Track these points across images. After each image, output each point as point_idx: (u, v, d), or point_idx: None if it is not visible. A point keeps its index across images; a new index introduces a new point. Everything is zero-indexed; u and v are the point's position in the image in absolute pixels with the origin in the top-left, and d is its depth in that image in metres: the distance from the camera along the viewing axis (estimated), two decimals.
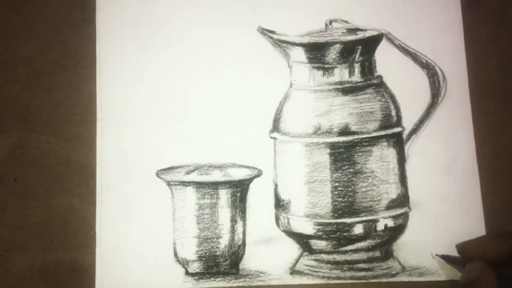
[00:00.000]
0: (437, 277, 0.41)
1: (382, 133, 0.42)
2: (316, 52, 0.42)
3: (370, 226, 0.42)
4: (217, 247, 0.43)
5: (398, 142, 0.43)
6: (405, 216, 0.42)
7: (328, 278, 0.42)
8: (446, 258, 0.40)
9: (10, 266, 0.42)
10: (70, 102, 0.45)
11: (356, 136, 0.42)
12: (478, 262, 0.36)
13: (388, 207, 0.42)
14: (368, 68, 0.43)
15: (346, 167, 0.42)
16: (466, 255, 0.39)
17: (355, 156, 0.42)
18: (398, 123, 0.43)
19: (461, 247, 0.39)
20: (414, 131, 0.44)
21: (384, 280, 0.41)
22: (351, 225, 0.42)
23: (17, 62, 0.46)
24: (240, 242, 0.43)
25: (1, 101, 0.45)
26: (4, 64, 0.46)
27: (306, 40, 0.43)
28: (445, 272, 0.41)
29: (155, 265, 0.43)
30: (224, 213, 0.43)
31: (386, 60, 0.44)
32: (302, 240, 0.43)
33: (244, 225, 0.43)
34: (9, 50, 0.46)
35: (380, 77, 0.43)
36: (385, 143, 0.42)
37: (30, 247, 0.43)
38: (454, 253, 0.40)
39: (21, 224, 0.43)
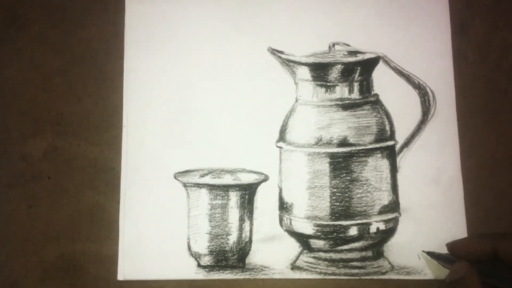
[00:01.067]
0: (423, 276, 0.42)
1: (377, 145, 0.43)
2: (319, 71, 0.43)
3: (363, 228, 0.43)
4: (227, 243, 0.43)
5: (391, 154, 0.44)
6: (396, 220, 0.43)
7: (325, 274, 0.43)
8: (432, 254, 0.41)
9: (43, 254, 0.44)
10: (99, 110, 0.46)
11: (353, 148, 0.43)
12: (464, 262, 0.37)
13: (380, 212, 0.43)
14: (366, 87, 0.44)
15: (344, 175, 0.42)
16: (454, 253, 0.40)
17: (352, 166, 0.43)
18: (392, 137, 0.44)
19: (451, 245, 0.40)
20: (406, 144, 0.45)
21: (375, 277, 0.42)
22: (347, 227, 0.43)
23: (53, 73, 0.47)
24: (247, 239, 0.44)
25: (38, 107, 0.46)
26: (42, 75, 0.47)
27: (311, 60, 0.44)
28: (430, 271, 0.42)
29: (171, 257, 0.43)
30: (234, 213, 0.44)
31: (382, 80, 0.45)
32: (303, 239, 0.43)
33: (251, 224, 0.44)
34: (47, 62, 0.47)
35: (376, 95, 0.44)
36: (379, 155, 0.43)
37: (61, 238, 0.44)
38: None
39: (53, 218, 0.44)
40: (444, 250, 0.41)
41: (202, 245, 0.43)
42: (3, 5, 0.48)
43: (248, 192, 0.44)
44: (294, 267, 0.43)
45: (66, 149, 0.46)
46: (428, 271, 0.42)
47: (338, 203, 0.42)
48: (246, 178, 0.44)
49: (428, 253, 0.41)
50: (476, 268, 0.36)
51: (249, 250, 0.44)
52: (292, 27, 0.47)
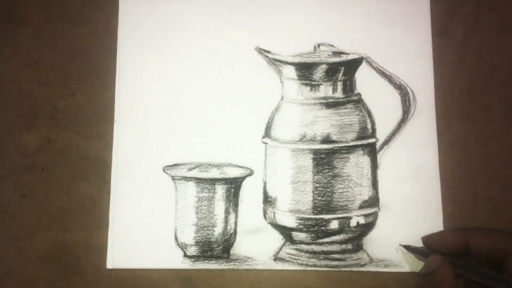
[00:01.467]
0: (400, 268, 0.43)
1: (359, 142, 0.44)
2: (305, 70, 0.44)
3: (344, 222, 0.43)
4: (212, 234, 0.44)
5: (372, 151, 0.44)
6: (375, 215, 0.44)
7: (306, 265, 0.43)
8: (409, 248, 0.42)
9: (35, 242, 0.45)
10: (92, 104, 0.47)
11: (336, 145, 0.43)
12: (438, 255, 0.38)
13: (360, 207, 0.43)
14: (349, 86, 0.45)
15: (326, 170, 0.43)
16: (428, 246, 0.41)
17: (334, 162, 0.43)
18: (373, 134, 0.45)
19: (426, 239, 0.41)
20: (386, 142, 0.45)
21: (354, 269, 0.43)
22: (328, 220, 0.43)
23: (48, 68, 0.48)
24: (232, 231, 0.44)
25: (33, 101, 0.47)
26: (38, 70, 0.48)
27: (297, 60, 0.44)
28: (407, 264, 0.43)
29: (158, 247, 0.44)
30: (219, 206, 0.44)
31: (365, 80, 0.45)
32: (285, 231, 0.44)
33: (236, 216, 0.45)
34: (42, 58, 0.48)
35: (359, 94, 0.45)
36: (361, 152, 0.44)
37: (53, 227, 0.45)
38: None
39: (46, 207, 0.45)
40: (421, 244, 0.42)
41: (188, 236, 0.44)
42: (1, 2, 0.49)
43: (233, 186, 0.45)
44: (276, 258, 0.44)
45: (60, 142, 0.46)
46: (405, 264, 0.43)
47: (320, 198, 0.43)
48: (232, 172, 0.45)
49: (405, 246, 0.42)
50: (450, 261, 0.37)
51: (234, 241, 0.44)
52: (279, 28, 0.47)
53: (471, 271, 0.37)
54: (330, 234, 0.44)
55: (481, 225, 0.43)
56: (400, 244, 0.43)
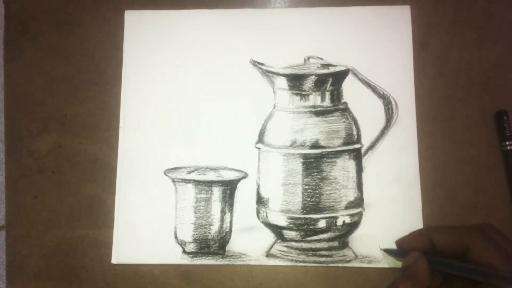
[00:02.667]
0: (382, 264, 0.44)
1: (345, 148, 0.45)
2: (295, 81, 0.45)
3: (331, 221, 0.44)
4: (209, 232, 0.45)
5: (357, 156, 0.45)
6: (360, 214, 0.45)
7: (296, 261, 0.45)
8: (387, 251, 0.43)
9: (46, 239, 0.46)
10: (99, 112, 0.48)
11: (324, 150, 0.44)
12: (415, 252, 0.39)
13: (346, 207, 0.44)
14: (336, 96, 0.46)
15: (315, 173, 0.44)
16: (401, 248, 0.42)
17: (323, 165, 0.44)
18: (358, 140, 0.46)
19: (397, 242, 0.42)
20: (371, 147, 0.46)
21: (340, 265, 0.44)
22: (316, 220, 0.44)
23: (59, 78, 0.49)
24: (227, 229, 0.45)
25: (45, 109, 0.48)
26: (49, 80, 0.49)
27: (288, 71, 0.45)
28: (388, 261, 0.44)
29: (160, 244, 0.45)
30: (216, 206, 0.45)
31: (351, 90, 0.47)
32: (277, 230, 0.45)
33: (231, 216, 0.46)
34: (54, 69, 0.49)
35: (345, 103, 0.46)
36: (347, 156, 0.45)
37: (62, 225, 0.46)
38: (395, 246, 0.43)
39: (56, 207, 0.47)
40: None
41: (187, 234, 0.45)
42: (16, 18, 0.50)
43: (229, 188, 0.46)
44: (268, 254, 0.45)
45: (69, 146, 0.48)
46: (386, 261, 0.44)
47: (309, 199, 0.44)
48: (228, 175, 0.46)
49: (385, 250, 0.43)
50: (425, 256, 0.38)
51: (229, 239, 0.45)
52: (272, 42, 0.48)
53: (442, 264, 0.38)
54: (318, 232, 0.45)
55: (458, 224, 0.43)
56: (380, 248, 0.44)
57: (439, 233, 0.39)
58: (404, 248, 0.41)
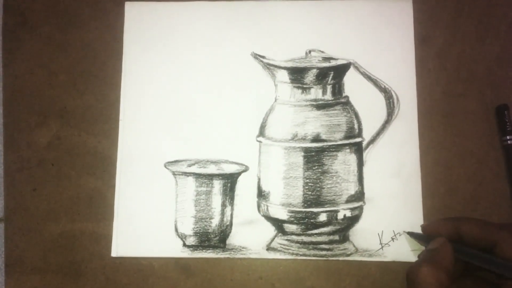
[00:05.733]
0: (383, 258, 0.43)
1: (346, 142, 0.44)
2: (297, 74, 0.45)
3: (332, 215, 0.44)
4: (210, 226, 0.45)
5: (358, 150, 0.45)
6: (361, 208, 0.44)
7: (297, 254, 0.44)
8: (412, 234, 0.42)
9: (45, 232, 0.45)
10: (99, 104, 0.47)
11: (325, 143, 0.44)
12: (442, 237, 0.38)
13: (347, 201, 0.44)
14: (337, 89, 0.45)
15: (316, 167, 0.44)
16: (426, 231, 0.41)
17: (324, 159, 0.44)
18: (359, 134, 0.45)
19: (424, 226, 0.42)
20: (372, 141, 0.46)
21: (340, 258, 0.44)
22: (317, 213, 0.44)
23: (59, 70, 0.48)
24: (228, 223, 0.45)
25: (45, 101, 0.47)
26: (48, 72, 0.48)
27: (289, 64, 0.45)
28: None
29: (160, 237, 0.45)
30: (217, 199, 0.45)
31: (352, 83, 0.46)
32: (278, 223, 0.45)
33: (232, 209, 0.45)
34: (53, 61, 0.48)
35: (347, 97, 0.45)
36: (348, 150, 0.44)
37: (62, 218, 0.45)
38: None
39: (55, 200, 0.46)
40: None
41: (187, 227, 0.45)
42: (15, 9, 0.49)
43: (230, 181, 0.45)
44: (269, 248, 0.44)
45: (68, 139, 0.47)
46: (387, 254, 0.43)
47: (310, 192, 0.44)
48: (229, 168, 0.45)
49: (409, 233, 0.43)
50: (452, 244, 0.38)
51: (230, 232, 0.45)
52: (274, 35, 0.48)
53: (468, 254, 0.37)
54: (319, 226, 0.44)
55: None
56: (404, 231, 0.43)
57: (469, 224, 0.38)
58: (430, 233, 0.41)
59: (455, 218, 0.40)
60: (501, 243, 0.36)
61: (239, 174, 0.45)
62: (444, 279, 0.35)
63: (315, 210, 0.44)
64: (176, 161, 0.46)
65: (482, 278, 0.38)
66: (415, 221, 0.44)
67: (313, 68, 0.44)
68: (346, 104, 0.45)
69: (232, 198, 0.45)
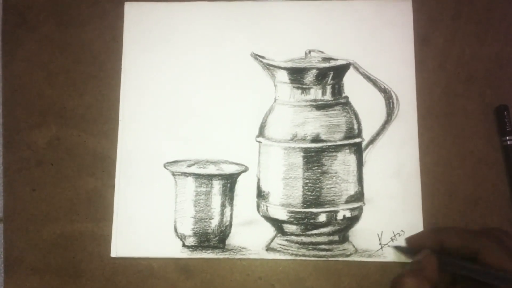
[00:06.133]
0: (382, 258, 0.43)
1: (346, 142, 0.44)
2: (296, 75, 0.44)
3: (331, 215, 0.44)
4: (209, 226, 0.45)
5: (358, 150, 0.45)
6: (360, 209, 0.44)
7: (296, 255, 0.44)
8: (398, 248, 0.42)
9: (44, 232, 0.45)
10: (98, 104, 0.47)
11: (325, 144, 0.44)
12: (426, 249, 0.38)
13: (347, 201, 0.44)
14: (337, 89, 0.45)
15: (316, 167, 0.44)
16: (410, 245, 0.41)
17: (323, 159, 0.44)
18: (359, 134, 0.45)
19: (408, 239, 0.42)
20: (371, 142, 0.45)
21: (340, 259, 0.44)
22: (317, 214, 0.44)
23: (58, 71, 0.48)
24: (227, 223, 0.45)
25: (44, 101, 0.47)
26: (48, 72, 0.48)
27: (289, 65, 0.45)
28: (389, 255, 0.43)
29: (159, 237, 0.44)
30: (216, 200, 0.45)
31: (352, 84, 0.46)
32: (277, 224, 0.44)
33: (232, 209, 0.45)
34: (52, 61, 0.48)
35: (346, 97, 0.45)
36: (348, 150, 0.44)
37: (61, 218, 0.45)
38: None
39: (54, 200, 0.46)
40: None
41: (187, 227, 0.45)
42: (14, 9, 0.49)
43: (229, 181, 0.45)
44: (268, 248, 0.44)
45: (68, 139, 0.47)
46: (386, 254, 0.43)
47: (309, 193, 0.44)
48: (228, 169, 0.45)
49: (395, 247, 0.43)
50: (435, 255, 0.38)
51: (229, 232, 0.45)
52: (273, 35, 0.48)
53: (452, 265, 0.37)
54: (319, 226, 0.44)
55: (458, 219, 0.44)
56: (389, 245, 0.43)
57: (449, 235, 0.38)
58: (413, 246, 0.41)
59: (436, 229, 0.40)
60: (482, 251, 0.36)
61: (238, 174, 0.45)
62: None
63: (314, 210, 0.44)
64: (175, 162, 0.46)
65: (472, 286, 0.38)
66: (415, 221, 0.44)
67: (313, 68, 0.44)
68: (346, 105, 0.45)
69: (231, 199, 0.45)
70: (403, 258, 0.43)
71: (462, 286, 0.39)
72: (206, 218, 0.45)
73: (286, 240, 0.45)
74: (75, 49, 0.48)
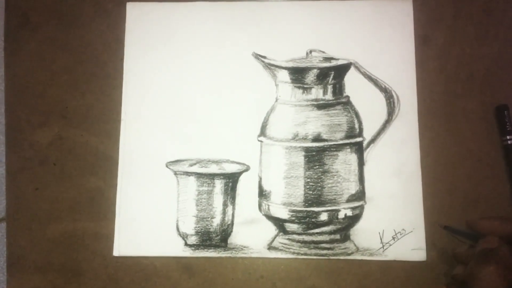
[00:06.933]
0: (383, 257, 0.43)
1: (347, 141, 0.44)
2: (298, 74, 0.45)
3: (333, 214, 0.44)
4: (211, 225, 0.45)
5: (359, 149, 0.45)
6: (361, 208, 0.44)
7: (298, 254, 0.44)
8: (451, 229, 0.40)
9: (47, 231, 0.45)
10: (100, 104, 0.47)
11: (326, 143, 0.44)
12: (494, 237, 0.36)
13: (348, 200, 0.44)
14: (338, 89, 0.45)
15: (317, 167, 0.44)
16: (478, 229, 0.38)
17: (324, 159, 0.44)
18: (360, 134, 0.45)
19: (475, 223, 0.38)
20: (372, 141, 0.45)
21: (341, 257, 0.44)
22: (318, 213, 0.44)
23: (60, 71, 0.48)
24: (229, 222, 0.45)
25: (47, 101, 0.47)
26: (51, 72, 0.48)
27: (290, 64, 0.45)
28: (390, 254, 0.43)
29: (161, 236, 0.44)
30: (218, 199, 0.45)
31: (353, 83, 0.46)
32: (279, 223, 0.45)
33: (233, 208, 0.45)
34: (55, 62, 0.48)
35: (347, 97, 0.45)
36: (349, 150, 0.44)
37: (63, 217, 0.45)
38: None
39: (57, 199, 0.46)
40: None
41: (189, 226, 0.45)
42: (17, 10, 0.49)
43: (231, 180, 0.45)
44: (270, 247, 0.44)
45: (70, 139, 0.47)
46: (387, 253, 0.43)
47: (311, 192, 0.44)
48: (230, 168, 0.45)
49: (448, 228, 0.40)
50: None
51: (231, 231, 0.45)
52: (274, 35, 0.48)
53: None
54: (320, 225, 0.44)
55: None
56: (440, 225, 0.41)
57: None
58: (479, 230, 0.38)
59: (509, 218, 0.38)
60: None
61: (240, 173, 0.45)
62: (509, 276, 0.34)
63: (316, 209, 0.44)
64: (177, 161, 0.46)
65: None
66: (416, 220, 0.44)
67: (314, 68, 0.44)
68: (347, 104, 0.45)
69: (233, 198, 0.45)
70: (404, 257, 0.43)
71: None
72: (208, 217, 0.45)
73: (288, 239, 0.45)
74: (78, 49, 0.48)
